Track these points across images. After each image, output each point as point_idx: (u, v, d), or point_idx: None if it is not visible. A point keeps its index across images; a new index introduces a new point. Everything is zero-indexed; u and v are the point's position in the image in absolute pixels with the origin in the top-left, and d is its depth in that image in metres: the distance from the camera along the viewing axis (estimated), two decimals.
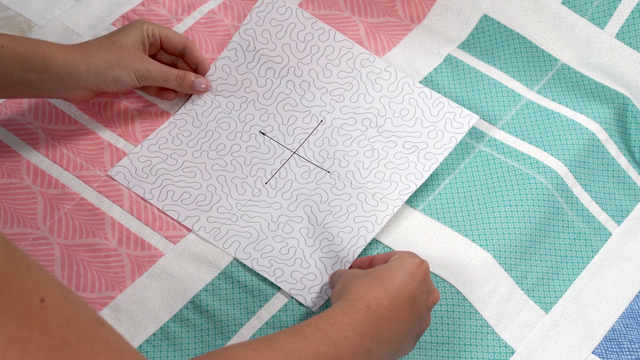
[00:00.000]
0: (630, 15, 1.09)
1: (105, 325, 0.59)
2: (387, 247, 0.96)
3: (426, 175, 0.99)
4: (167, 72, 1.03)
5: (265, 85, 1.06)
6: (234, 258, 0.95)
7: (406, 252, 0.87)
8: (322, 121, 1.04)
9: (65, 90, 0.99)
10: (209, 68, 1.08)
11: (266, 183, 1.00)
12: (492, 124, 1.06)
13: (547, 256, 0.98)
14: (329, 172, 1.01)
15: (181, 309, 0.92)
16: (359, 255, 0.95)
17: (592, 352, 0.92)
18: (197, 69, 1.07)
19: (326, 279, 0.93)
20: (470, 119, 1.02)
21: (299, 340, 0.74)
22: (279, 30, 1.08)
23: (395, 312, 0.80)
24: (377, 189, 0.99)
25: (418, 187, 0.99)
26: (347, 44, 1.07)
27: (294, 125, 1.04)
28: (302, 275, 0.94)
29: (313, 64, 1.07)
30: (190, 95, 1.08)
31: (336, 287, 0.85)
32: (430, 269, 0.94)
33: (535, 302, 0.95)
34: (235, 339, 0.91)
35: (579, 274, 0.97)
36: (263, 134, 1.04)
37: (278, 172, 1.01)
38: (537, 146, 1.04)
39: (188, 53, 1.06)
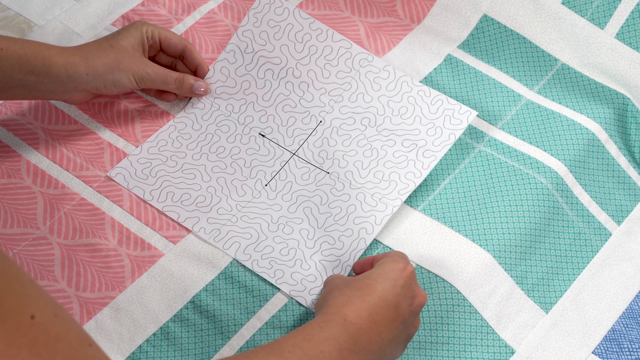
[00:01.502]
0: (630, 15, 1.09)
1: (93, 345, 0.59)
2: (387, 247, 0.96)
3: (425, 173, 0.99)
4: (166, 75, 1.03)
5: (264, 87, 1.06)
6: (234, 258, 0.96)
7: (391, 257, 0.86)
8: (321, 122, 1.04)
9: (64, 92, 0.99)
10: (208, 70, 1.08)
11: (266, 185, 1.00)
12: (492, 124, 1.06)
13: (547, 256, 0.98)
14: (328, 172, 1.00)
15: (181, 309, 0.92)
16: (360, 257, 0.95)
17: (592, 352, 0.92)
18: (196, 71, 1.07)
19: None
20: (469, 115, 1.02)
21: (276, 359, 0.74)
22: (277, 31, 1.08)
23: (375, 322, 0.80)
24: (376, 188, 0.99)
25: (417, 185, 0.99)
26: (345, 44, 1.07)
27: (294, 127, 1.04)
28: (302, 276, 0.94)
29: (311, 64, 1.07)
30: (190, 97, 1.08)
31: (320, 297, 0.85)
32: (431, 269, 0.94)
33: (535, 302, 0.95)
34: (235, 339, 0.91)
35: (579, 274, 0.97)
36: (263, 135, 1.04)
37: (278, 174, 1.01)
38: (537, 146, 1.04)
39: (187, 55, 1.06)
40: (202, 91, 1.06)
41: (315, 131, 1.03)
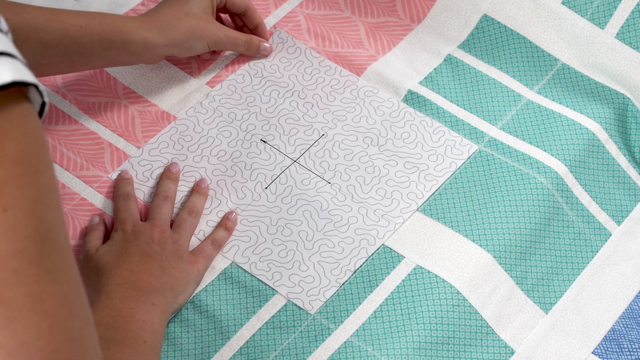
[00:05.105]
0: (630, 15, 1.09)
1: None
2: (387, 247, 0.96)
3: (427, 195, 1.00)
4: (237, 39, 1.09)
5: (268, 102, 1.08)
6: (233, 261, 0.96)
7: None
8: (323, 135, 1.05)
9: (141, 60, 1.04)
10: (267, 29, 1.12)
11: (266, 188, 1.00)
12: (492, 124, 1.06)
13: (547, 256, 0.98)
14: (329, 182, 1.01)
15: (181, 309, 0.92)
16: (360, 265, 0.95)
17: (592, 352, 0.92)
18: (257, 29, 1.12)
19: (324, 282, 0.94)
20: (470, 148, 1.03)
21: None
22: (287, 65, 1.11)
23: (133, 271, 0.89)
24: (378, 205, 0.99)
25: (419, 206, 0.99)
26: (352, 78, 1.10)
27: (296, 137, 1.05)
28: (300, 278, 0.94)
29: (318, 90, 1.09)
30: (191, 100, 1.08)
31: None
32: (431, 269, 0.94)
33: (535, 302, 0.95)
34: (235, 339, 0.91)
35: (578, 274, 0.97)
36: (264, 142, 1.04)
37: (278, 178, 1.01)
38: (537, 146, 1.04)
39: (249, 14, 1.11)
40: (268, 53, 1.11)
41: (317, 142, 1.04)
